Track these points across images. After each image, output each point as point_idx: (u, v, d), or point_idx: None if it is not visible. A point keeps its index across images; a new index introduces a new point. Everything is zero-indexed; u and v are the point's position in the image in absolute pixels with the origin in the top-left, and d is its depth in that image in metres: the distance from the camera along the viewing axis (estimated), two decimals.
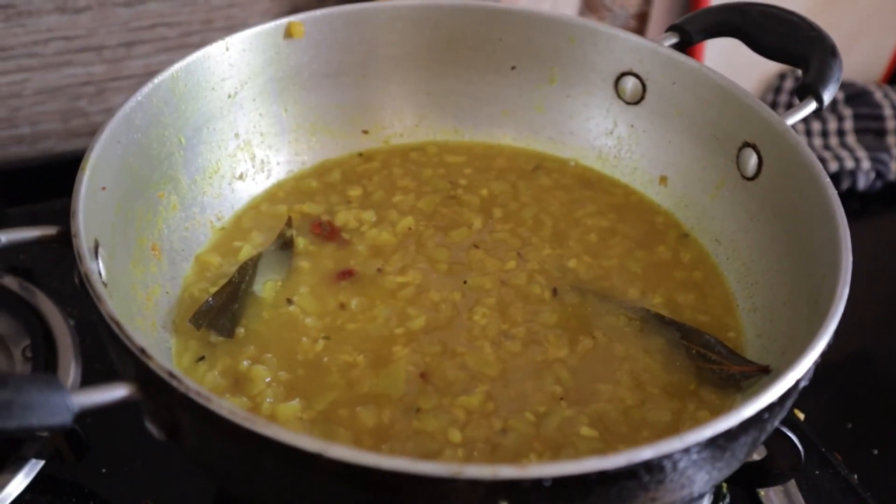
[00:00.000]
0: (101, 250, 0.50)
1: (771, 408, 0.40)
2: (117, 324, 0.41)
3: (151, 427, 0.42)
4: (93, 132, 0.90)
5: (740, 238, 0.62)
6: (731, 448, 0.41)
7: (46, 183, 0.87)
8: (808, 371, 0.42)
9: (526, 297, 0.59)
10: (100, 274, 0.48)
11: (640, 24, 1.08)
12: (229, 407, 0.37)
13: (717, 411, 0.53)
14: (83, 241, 0.46)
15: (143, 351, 0.40)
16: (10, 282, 0.72)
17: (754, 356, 0.55)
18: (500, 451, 0.50)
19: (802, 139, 0.57)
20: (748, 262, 0.61)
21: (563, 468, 0.36)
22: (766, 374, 0.52)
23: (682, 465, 0.38)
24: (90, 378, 0.66)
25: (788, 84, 1.09)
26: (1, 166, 0.89)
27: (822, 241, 0.52)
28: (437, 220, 0.66)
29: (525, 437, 0.50)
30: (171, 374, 0.39)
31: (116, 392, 0.40)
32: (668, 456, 0.37)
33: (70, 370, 0.66)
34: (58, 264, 0.75)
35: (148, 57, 0.89)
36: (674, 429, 0.52)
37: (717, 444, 0.39)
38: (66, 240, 0.47)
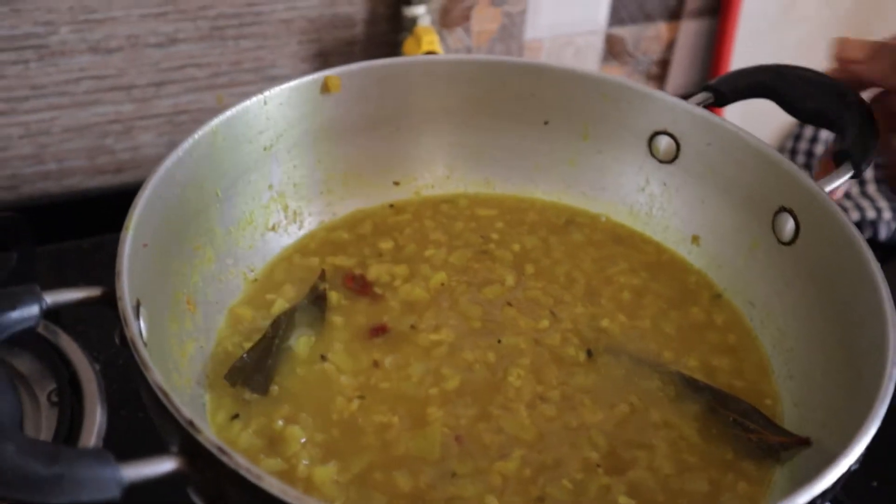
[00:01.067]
0: (142, 309, 0.50)
1: (824, 494, 0.40)
2: (165, 395, 0.41)
3: (196, 498, 0.42)
4: (118, 169, 0.93)
5: (775, 302, 0.62)
6: None
7: (73, 220, 0.88)
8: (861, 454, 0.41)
9: (560, 359, 0.59)
10: (141, 334, 0.48)
11: (661, 71, 1.09)
12: (280, 486, 0.37)
13: (755, 483, 0.52)
14: (128, 304, 0.46)
15: (191, 423, 0.40)
16: None
17: (792, 425, 0.55)
18: None
19: (839, 209, 0.57)
20: (783, 328, 0.60)
21: None
22: (806, 446, 0.51)
23: None
24: (115, 424, 0.66)
25: (808, 132, 1.10)
26: (28, 203, 0.90)
27: (863, 312, 0.52)
28: (470, 276, 0.66)
29: None
30: (222, 450, 0.39)
31: (164, 465, 0.40)
32: None
33: (96, 416, 0.66)
34: (83, 306, 0.74)
35: (176, 97, 0.90)
36: (712, 500, 0.51)
37: None
38: (110, 301, 0.47)
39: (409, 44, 0.89)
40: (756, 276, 0.63)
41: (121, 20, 0.84)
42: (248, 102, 0.63)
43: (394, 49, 0.93)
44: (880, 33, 1.06)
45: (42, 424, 0.65)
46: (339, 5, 0.90)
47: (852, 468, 0.41)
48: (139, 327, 0.47)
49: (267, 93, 0.64)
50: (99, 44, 0.84)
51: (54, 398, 0.67)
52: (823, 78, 0.64)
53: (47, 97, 0.86)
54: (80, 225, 0.86)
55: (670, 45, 1.06)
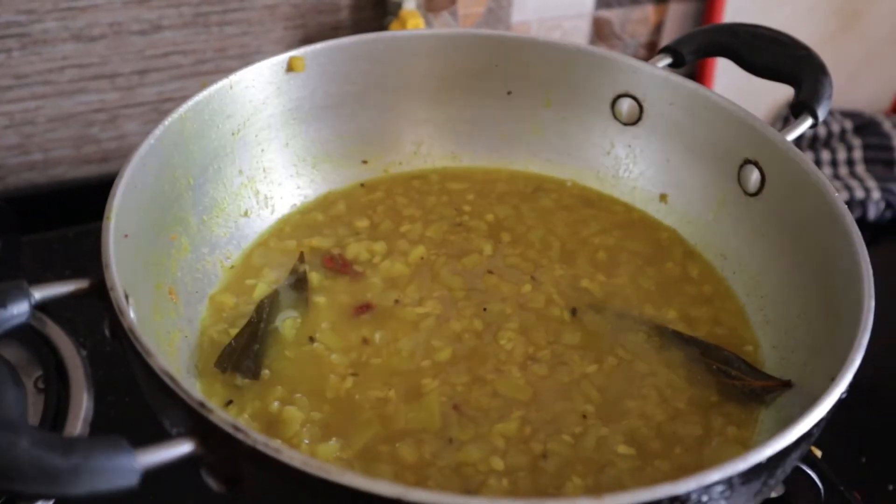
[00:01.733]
0: (130, 300, 0.49)
1: (819, 423, 0.41)
2: (172, 378, 0.41)
3: (210, 480, 0.41)
4: (104, 159, 0.91)
5: (746, 252, 0.64)
6: (782, 466, 0.42)
7: (58, 210, 0.87)
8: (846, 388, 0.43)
9: (547, 320, 0.60)
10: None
11: (649, 53, 1.10)
12: (302, 458, 0.37)
13: (743, 425, 0.54)
14: (120, 293, 0.45)
15: (202, 405, 0.39)
16: None
17: (773, 368, 0.57)
18: (543, 476, 0.50)
19: (803, 154, 0.59)
20: (756, 276, 0.62)
21: (637, 496, 0.37)
22: (788, 388, 0.53)
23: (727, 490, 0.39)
24: (102, 410, 0.66)
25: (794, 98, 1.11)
26: (13, 193, 0.88)
27: (835, 252, 0.54)
28: (448, 248, 0.66)
29: (566, 459, 0.51)
30: (237, 427, 0.38)
31: (180, 449, 0.39)
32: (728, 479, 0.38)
33: (83, 402, 0.65)
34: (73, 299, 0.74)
35: (161, 84, 0.89)
36: (705, 443, 0.53)
37: (772, 463, 0.40)
38: (100, 292, 0.46)
39: (394, 28, 0.88)
40: (726, 228, 0.65)
41: (103, 7, 0.83)
42: (213, 87, 0.62)
43: None
44: (865, 14, 1.10)
45: (29, 411, 0.64)
46: None
47: (842, 397, 0.43)
48: (132, 316, 0.46)
49: (232, 76, 0.63)
50: (82, 32, 0.83)
51: (41, 385, 0.66)
52: (777, 34, 0.66)
53: (31, 86, 0.84)
54: (66, 215, 0.85)
55: (658, 28, 1.08)
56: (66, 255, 0.81)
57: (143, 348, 0.42)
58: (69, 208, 0.85)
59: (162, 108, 0.90)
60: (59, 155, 0.90)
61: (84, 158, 0.91)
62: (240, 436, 0.38)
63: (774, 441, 0.40)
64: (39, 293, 0.45)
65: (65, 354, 0.69)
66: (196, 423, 0.40)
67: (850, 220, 0.53)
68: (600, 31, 1.05)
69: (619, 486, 0.50)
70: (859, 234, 0.52)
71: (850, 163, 1.06)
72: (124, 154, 0.91)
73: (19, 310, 0.44)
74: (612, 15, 1.04)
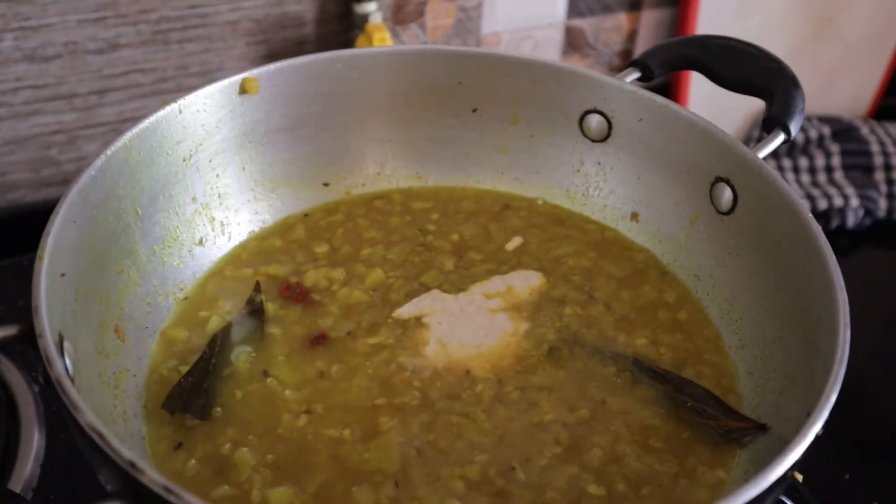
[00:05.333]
0: (66, 344, 0.46)
1: (783, 477, 0.39)
2: (100, 435, 0.38)
3: None
4: (64, 181, 0.88)
5: (720, 273, 0.61)
6: None
7: (15, 236, 0.82)
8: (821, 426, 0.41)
9: (518, 355, 0.58)
10: (67, 371, 0.44)
11: (624, 62, 1.08)
12: None
13: (717, 466, 0.51)
14: (49, 342, 0.42)
15: (133, 465, 0.37)
16: None
17: (748, 395, 0.55)
18: None
19: (777, 173, 0.57)
20: (730, 298, 0.60)
21: None
22: (763, 432, 0.51)
23: None
24: (54, 449, 0.63)
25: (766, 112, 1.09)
26: None
27: (811, 276, 0.52)
28: (407, 270, 0.64)
29: (532, 502, 0.49)
30: (168, 489, 0.36)
31: None
32: None
33: (34, 440, 0.63)
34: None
35: (121, 104, 0.86)
36: (677, 484, 0.51)
37: None
38: (29, 339, 0.43)
39: (360, 42, 0.86)
40: (699, 248, 0.63)
41: (57, 27, 0.80)
42: (161, 112, 0.59)
43: (346, 48, 0.90)
44: (838, 19, 1.08)
45: None
46: (287, 4, 0.87)
47: (818, 435, 0.41)
48: (64, 365, 0.43)
49: (181, 100, 0.60)
50: (35, 52, 0.80)
51: None
52: (747, 46, 0.64)
53: None
54: (25, 241, 0.81)
55: (632, 36, 1.05)
56: (22, 284, 0.79)
57: (70, 402, 0.40)
58: (28, 234, 0.82)
59: (122, 127, 0.87)
60: (17, 178, 0.87)
61: (43, 181, 0.88)
62: (172, 498, 0.36)
63: (747, 488, 0.38)
64: None
65: (15, 390, 0.67)
66: (127, 483, 0.37)
67: (823, 242, 0.51)
68: (573, 41, 1.02)
69: None
70: (834, 258, 0.50)
71: (829, 169, 1.04)
72: None
73: None
74: (585, 24, 1.02)
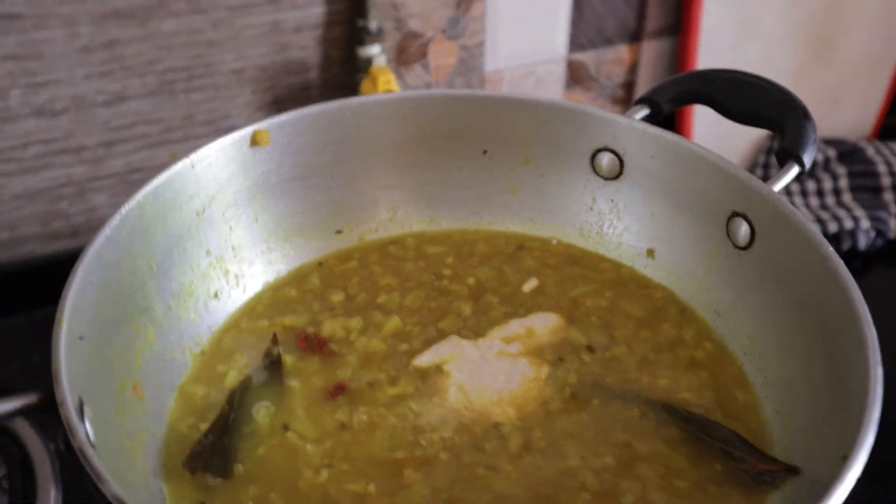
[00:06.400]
0: (85, 408, 0.46)
1: None
2: None
3: None
4: (74, 234, 0.88)
5: (740, 309, 0.61)
6: None
7: (26, 290, 0.84)
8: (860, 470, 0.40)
9: (540, 400, 0.57)
10: (89, 438, 0.44)
11: (627, 93, 1.08)
12: None
13: None
14: (71, 409, 0.42)
15: None
16: None
17: (777, 434, 0.54)
18: None
19: (793, 207, 0.56)
20: (752, 334, 0.59)
21: None
22: (794, 474, 0.50)
23: None
24: None
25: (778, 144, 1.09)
26: None
27: (836, 312, 0.51)
28: (424, 316, 0.63)
29: None
30: None
31: None
32: None
33: (50, 499, 0.63)
34: (36, 384, 0.70)
35: (129, 155, 0.87)
36: None
37: None
38: (50, 407, 0.43)
39: (365, 85, 0.86)
40: (718, 284, 0.62)
41: (65, 81, 0.80)
42: (174, 168, 0.59)
43: (350, 91, 0.91)
44: (838, 42, 1.08)
45: None
46: (291, 51, 0.87)
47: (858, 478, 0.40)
48: (85, 431, 0.43)
49: (193, 155, 0.60)
50: (43, 107, 0.81)
51: (5, 484, 0.63)
52: (755, 79, 0.64)
53: None
54: (36, 295, 0.81)
55: (633, 67, 1.06)
56: (33, 339, 0.78)
57: (94, 472, 0.39)
58: (38, 287, 0.82)
59: (131, 178, 0.88)
60: (27, 232, 0.87)
61: (53, 234, 0.89)
62: None
63: None
64: None
65: (31, 450, 0.66)
66: None
67: (847, 277, 0.51)
68: (575, 75, 1.03)
69: None
70: (859, 293, 0.49)
71: (837, 192, 1.04)
72: (94, 227, 0.88)
73: None
74: (586, 57, 1.02)
